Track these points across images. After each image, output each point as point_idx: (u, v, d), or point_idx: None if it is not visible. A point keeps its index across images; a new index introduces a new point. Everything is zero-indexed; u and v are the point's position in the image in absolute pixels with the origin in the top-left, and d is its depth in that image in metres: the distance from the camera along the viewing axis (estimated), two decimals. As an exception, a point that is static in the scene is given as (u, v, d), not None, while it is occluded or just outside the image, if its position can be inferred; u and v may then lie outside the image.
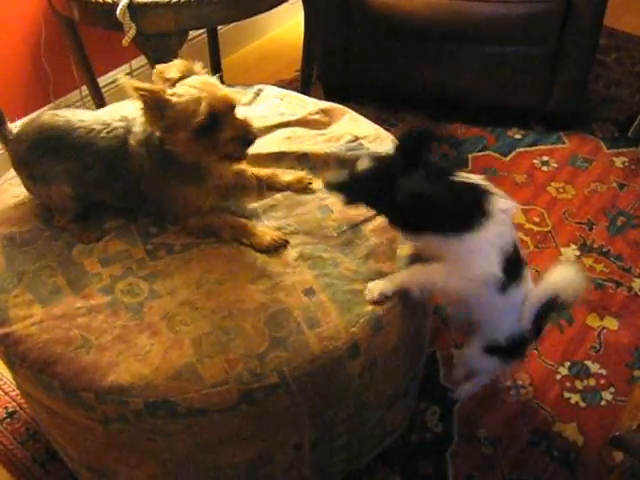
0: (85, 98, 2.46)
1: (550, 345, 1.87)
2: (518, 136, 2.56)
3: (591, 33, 2.36)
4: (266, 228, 1.42)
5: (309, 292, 1.32)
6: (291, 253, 1.38)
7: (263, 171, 1.51)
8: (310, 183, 1.52)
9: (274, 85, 1.85)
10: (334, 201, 1.48)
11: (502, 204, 1.28)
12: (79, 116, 1.41)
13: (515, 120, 2.60)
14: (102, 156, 1.37)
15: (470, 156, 2.47)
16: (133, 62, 2.52)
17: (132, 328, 1.27)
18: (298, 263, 1.37)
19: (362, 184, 1.28)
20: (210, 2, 1.83)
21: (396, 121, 2.62)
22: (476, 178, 1.29)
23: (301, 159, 1.58)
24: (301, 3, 2.30)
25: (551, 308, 1.43)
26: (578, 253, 2.13)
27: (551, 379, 1.79)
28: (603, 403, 1.74)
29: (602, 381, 1.79)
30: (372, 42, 2.50)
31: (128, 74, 2.54)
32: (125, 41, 1.82)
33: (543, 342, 1.87)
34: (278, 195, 1.49)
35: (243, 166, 1.48)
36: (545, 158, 2.47)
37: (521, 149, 2.51)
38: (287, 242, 1.39)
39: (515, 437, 1.66)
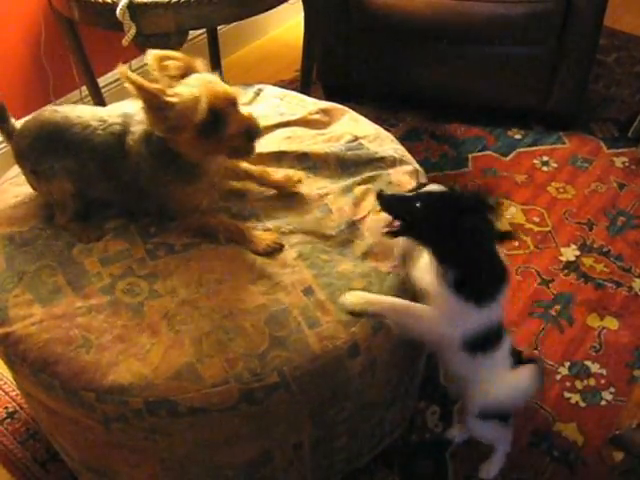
0: (85, 98, 2.46)
1: (550, 345, 1.87)
2: (518, 136, 2.56)
3: (591, 33, 2.36)
4: (262, 231, 1.41)
5: (308, 291, 1.32)
6: (290, 253, 1.38)
7: (254, 168, 1.50)
8: (299, 181, 1.49)
9: (274, 85, 1.85)
10: (333, 201, 1.48)
11: (507, 292, 1.28)
12: (78, 112, 1.41)
13: (515, 120, 2.61)
14: (98, 153, 1.37)
15: (470, 156, 2.47)
16: (133, 62, 2.52)
17: (132, 328, 1.27)
18: (297, 263, 1.37)
19: (436, 205, 1.23)
20: (210, 2, 1.83)
21: (396, 121, 2.62)
22: (504, 256, 1.29)
23: (301, 159, 1.58)
24: (301, 3, 2.30)
25: None
26: (578, 253, 2.13)
27: (551, 379, 1.79)
28: (603, 403, 1.74)
29: (602, 381, 1.79)
30: (372, 42, 2.50)
31: (128, 74, 2.53)
32: (125, 41, 1.82)
33: (543, 342, 1.88)
34: (278, 194, 1.49)
35: (237, 161, 1.47)
36: (545, 158, 2.47)
37: (521, 149, 2.51)
38: (282, 246, 1.39)
39: (515, 437, 1.65)
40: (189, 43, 2.06)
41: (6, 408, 1.77)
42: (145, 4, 1.79)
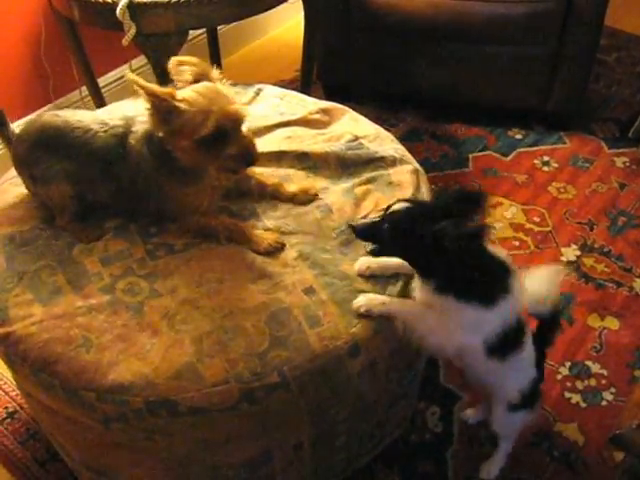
0: (85, 98, 2.46)
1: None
2: (519, 136, 2.56)
3: (592, 33, 2.36)
4: (263, 231, 1.41)
5: (309, 291, 1.32)
6: (290, 253, 1.38)
7: (270, 180, 1.50)
8: (316, 194, 1.49)
9: (274, 85, 1.85)
10: (333, 201, 1.48)
11: (517, 286, 1.26)
12: (78, 116, 1.41)
13: (516, 120, 2.60)
14: (99, 155, 1.37)
15: (470, 156, 2.47)
16: (133, 62, 2.52)
17: (132, 327, 1.26)
18: (298, 262, 1.37)
19: (399, 225, 1.22)
20: (210, 2, 1.83)
21: (396, 121, 2.62)
22: (501, 252, 1.29)
23: (301, 158, 1.58)
24: (301, 3, 2.30)
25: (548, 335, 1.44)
26: (579, 253, 2.12)
27: (552, 379, 1.79)
28: (604, 403, 1.74)
29: (603, 381, 1.79)
30: (372, 42, 2.50)
31: (128, 74, 2.54)
32: (125, 41, 1.82)
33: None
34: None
35: (249, 173, 1.47)
36: (546, 158, 2.47)
37: (522, 149, 2.51)
38: (284, 245, 1.39)
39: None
40: (189, 43, 2.06)
41: (6, 408, 1.77)
42: (145, 4, 1.79)
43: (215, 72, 1.34)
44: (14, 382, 1.72)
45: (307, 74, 2.45)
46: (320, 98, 1.82)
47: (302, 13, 2.34)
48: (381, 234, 1.24)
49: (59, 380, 1.22)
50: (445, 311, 1.23)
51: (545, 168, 2.43)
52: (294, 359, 1.23)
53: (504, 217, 2.24)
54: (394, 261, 1.32)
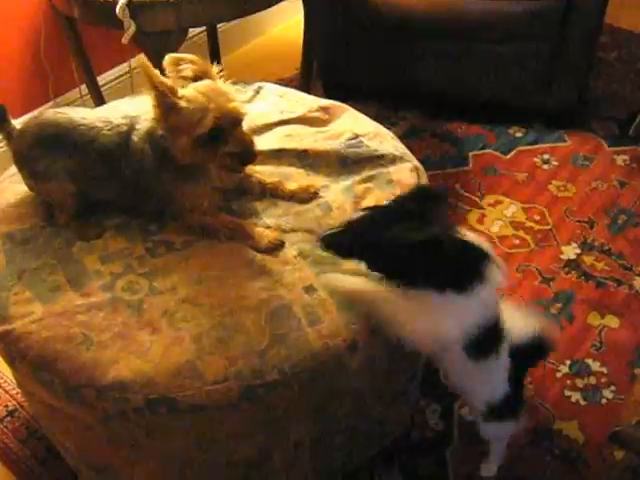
0: (85, 96, 2.46)
1: (551, 343, 1.87)
2: (519, 134, 2.56)
3: (592, 30, 2.36)
4: (263, 228, 1.41)
5: (310, 289, 1.32)
6: (291, 250, 1.38)
7: (269, 179, 1.50)
8: (317, 192, 1.49)
9: (274, 83, 1.84)
10: (333, 199, 1.48)
11: (496, 274, 1.22)
12: (81, 114, 1.41)
13: (515, 118, 2.60)
14: (103, 153, 1.37)
15: (470, 154, 2.47)
16: (133, 60, 2.52)
17: (132, 325, 1.26)
18: (298, 260, 1.37)
19: (358, 231, 1.23)
20: (210, 0, 1.83)
21: (396, 119, 2.61)
22: (481, 240, 1.25)
23: (301, 156, 1.58)
24: (301, 1, 2.30)
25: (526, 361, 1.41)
26: (579, 251, 2.12)
27: (552, 377, 1.79)
28: (604, 401, 1.74)
29: (603, 379, 1.79)
30: (372, 40, 2.50)
31: (127, 72, 2.54)
32: (125, 39, 1.82)
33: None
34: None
35: (249, 171, 1.47)
36: (546, 156, 2.47)
37: (522, 147, 2.50)
38: (283, 243, 1.39)
39: (516, 435, 1.65)
40: (189, 41, 2.06)
41: (6, 406, 1.77)
42: (145, 2, 1.79)
43: (215, 69, 1.34)
44: (14, 380, 1.72)
45: (307, 72, 2.45)
46: (320, 96, 1.82)
47: (302, 11, 2.34)
48: (342, 244, 1.25)
49: (59, 378, 1.22)
50: (421, 307, 1.22)
51: (545, 166, 2.43)
52: (294, 357, 1.23)
53: (504, 215, 2.24)
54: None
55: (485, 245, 1.24)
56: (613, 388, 1.77)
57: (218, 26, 2.73)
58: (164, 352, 1.22)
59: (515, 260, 2.09)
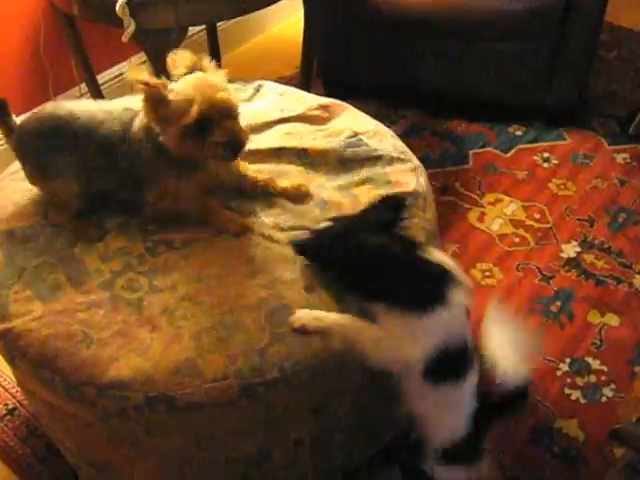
0: (84, 95, 2.45)
1: (550, 341, 1.87)
2: (519, 133, 2.56)
3: (592, 29, 2.35)
4: (233, 213, 1.42)
5: (310, 288, 1.31)
6: (291, 249, 1.38)
7: (261, 176, 1.50)
8: (306, 193, 1.48)
9: (274, 81, 1.84)
10: (332, 198, 1.48)
11: (461, 296, 1.19)
12: (83, 106, 1.41)
13: (516, 117, 2.60)
14: (103, 143, 1.37)
15: (471, 153, 2.47)
16: (132, 59, 2.52)
17: (132, 323, 1.26)
18: (298, 258, 1.36)
19: (323, 241, 1.24)
20: (210, -2, 1.83)
21: (397, 118, 2.61)
22: (447, 260, 1.22)
23: (300, 155, 1.57)
24: (301, -1, 2.30)
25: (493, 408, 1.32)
26: (579, 249, 2.12)
27: (552, 375, 1.79)
28: (604, 399, 1.74)
29: (603, 377, 1.79)
30: (372, 38, 2.50)
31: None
32: (125, 37, 1.82)
33: (544, 338, 1.87)
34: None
35: (243, 168, 1.48)
36: (546, 155, 2.47)
37: (522, 146, 2.50)
38: (249, 230, 1.39)
39: (516, 433, 1.65)
40: (189, 39, 2.06)
41: (6, 405, 1.77)
42: (145, 0, 1.79)
43: (208, 62, 1.34)
44: (14, 379, 1.72)
45: (307, 71, 2.45)
46: (320, 95, 1.82)
47: (302, 10, 2.34)
48: (309, 250, 1.27)
49: (59, 376, 1.22)
50: (381, 320, 1.21)
51: (545, 165, 2.43)
52: (294, 355, 1.23)
53: (504, 214, 2.24)
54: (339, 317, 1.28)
55: (450, 265, 1.21)
56: (613, 386, 1.77)
57: (218, 24, 2.72)
58: (164, 350, 1.22)
59: (515, 258, 2.09)
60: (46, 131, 1.39)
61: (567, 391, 1.76)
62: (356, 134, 1.61)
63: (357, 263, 1.19)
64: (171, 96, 1.27)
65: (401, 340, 1.20)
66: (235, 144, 1.31)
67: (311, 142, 1.60)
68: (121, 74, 2.56)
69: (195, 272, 1.34)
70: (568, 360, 1.83)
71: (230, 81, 1.38)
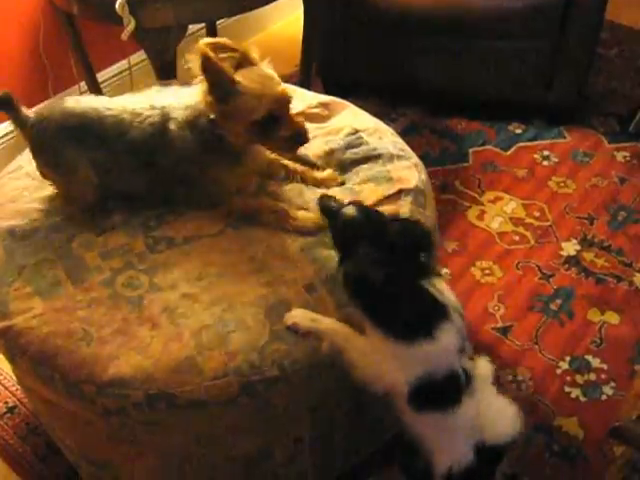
0: (84, 93, 2.45)
1: (551, 340, 1.87)
2: (519, 131, 2.56)
3: (592, 26, 2.35)
4: (304, 212, 1.42)
5: (310, 288, 1.31)
6: (292, 247, 1.38)
7: (298, 167, 1.51)
8: (342, 182, 1.51)
9: (274, 79, 1.84)
10: (334, 194, 1.48)
11: (449, 337, 1.16)
12: (104, 103, 1.40)
13: (516, 114, 2.60)
14: (136, 146, 1.36)
15: (470, 151, 2.47)
16: (132, 57, 2.52)
17: (132, 321, 1.26)
18: (299, 257, 1.36)
19: (346, 227, 1.23)
20: (210, -4, 1.83)
21: (396, 116, 2.61)
22: (448, 295, 1.20)
23: (300, 153, 1.57)
24: (301, -3, 2.29)
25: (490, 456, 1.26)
26: (579, 248, 2.12)
27: (551, 374, 1.79)
28: (604, 398, 1.74)
29: (603, 376, 1.79)
30: (372, 36, 2.49)
31: (127, 69, 2.53)
32: (124, 35, 1.82)
33: (543, 337, 1.87)
34: (277, 188, 1.49)
35: (274, 156, 1.50)
36: (546, 153, 2.46)
37: (522, 144, 2.50)
38: (325, 226, 1.39)
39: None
40: (188, 37, 2.05)
41: (6, 403, 1.77)
42: (145, -2, 1.79)
43: (255, 53, 1.35)
44: (14, 377, 1.72)
45: (307, 69, 2.45)
46: (320, 93, 1.82)
47: (302, 8, 2.33)
48: (334, 219, 1.26)
49: (59, 373, 1.22)
50: (369, 334, 1.20)
51: (545, 163, 2.43)
52: (294, 353, 1.23)
53: (504, 212, 2.24)
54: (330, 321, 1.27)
55: (451, 302, 1.19)
56: (613, 384, 1.77)
57: (217, 22, 2.72)
58: (164, 348, 1.22)
59: (515, 256, 2.09)
60: (70, 128, 1.37)
61: (567, 389, 1.76)
62: (356, 131, 1.61)
63: (359, 272, 1.17)
64: (240, 88, 1.27)
65: (384, 360, 1.19)
66: (300, 137, 1.34)
67: (311, 141, 1.59)
68: (121, 72, 2.56)
69: (195, 270, 1.33)
70: (568, 358, 1.83)
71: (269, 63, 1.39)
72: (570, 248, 2.12)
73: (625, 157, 2.44)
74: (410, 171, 1.54)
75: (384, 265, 1.16)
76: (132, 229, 1.41)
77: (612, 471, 1.57)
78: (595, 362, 1.82)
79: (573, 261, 2.08)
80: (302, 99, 1.73)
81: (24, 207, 1.46)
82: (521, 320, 1.92)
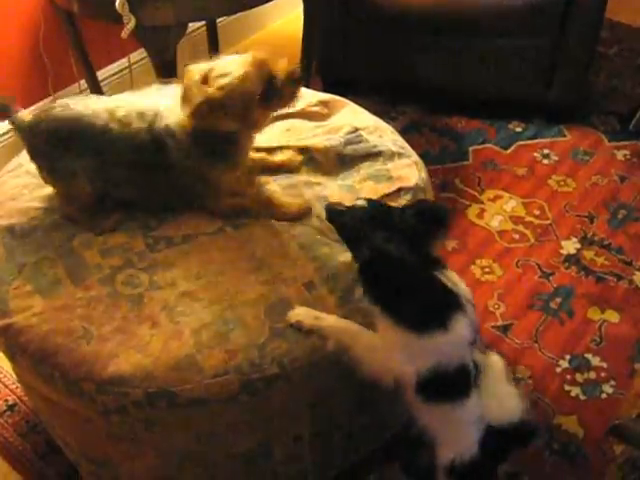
0: (84, 91, 2.45)
1: (550, 338, 1.87)
2: (519, 129, 2.56)
3: (592, 25, 2.35)
4: (290, 197, 1.44)
5: (309, 286, 1.31)
6: (291, 245, 1.38)
7: (256, 155, 1.52)
8: (300, 164, 1.53)
9: (274, 77, 1.84)
10: (333, 194, 1.48)
11: (462, 328, 1.16)
12: (91, 109, 1.37)
13: (516, 113, 2.60)
14: (127, 155, 1.35)
15: (470, 149, 2.47)
16: (132, 55, 2.52)
17: (132, 319, 1.26)
18: (298, 255, 1.36)
19: (354, 222, 1.22)
20: (209, -6, 1.83)
21: (396, 114, 2.61)
22: (461, 285, 1.20)
23: (300, 151, 1.57)
24: (301, -5, 2.29)
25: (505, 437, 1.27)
26: (579, 246, 2.12)
27: (551, 372, 1.79)
28: (604, 396, 1.74)
29: (603, 374, 1.79)
30: (371, 34, 2.49)
31: (127, 68, 2.53)
32: (124, 33, 1.82)
33: (543, 335, 1.87)
34: (276, 186, 1.49)
35: None
36: (546, 151, 2.46)
37: (522, 142, 2.50)
38: (311, 209, 1.42)
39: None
40: (188, 36, 2.05)
41: (6, 401, 1.77)
42: (144, -4, 1.78)
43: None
44: (14, 375, 1.72)
45: (306, 67, 2.44)
46: (319, 91, 1.82)
47: (301, 6, 2.33)
48: (345, 217, 1.24)
49: (59, 371, 1.22)
50: (378, 322, 1.20)
51: (545, 161, 2.43)
52: (294, 351, 1.23)
53: (504, 210, 2.24)
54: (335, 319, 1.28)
55: (463, 293, 1.19)
56: (613, 383, 1.77)
57: (218, 21, 2.72)
58: (164, 346, 1.22)
59: (515, 255, 2.10)
60: (61, 136, 1.35)
61: (567, 387, 1.76)
62: (356, 130, 1.61)
63: (375, 261, 1.16)
64: (222, 92, 1.28)
65: (395, 352, 1.19)
66: (297, 76, 1.37)
67: (311, 139, 1.60)
68: (121, 70, 2.56)
69: (195, 268, 1.33)
70: (568, 357, 1.83)
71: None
72: (570, 246, 2.12)
73: (625, 155, 2.44)
74: (410, 169, 1.54)
75: (401, 254, 1.14)
76: (131, 228, 1.41)
77: (612, 469, 1.57)
78: (595, 360, 1.82)
79: (573, 259, 2.08)
80: (302, 97, 1.72)
81: (24, 205, 1.46)
82: (521, 318, 1.92)
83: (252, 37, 3.05)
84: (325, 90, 1.94)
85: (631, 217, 2.22)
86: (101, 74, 2.47)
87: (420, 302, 1.16)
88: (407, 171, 1.54)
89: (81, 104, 1.39)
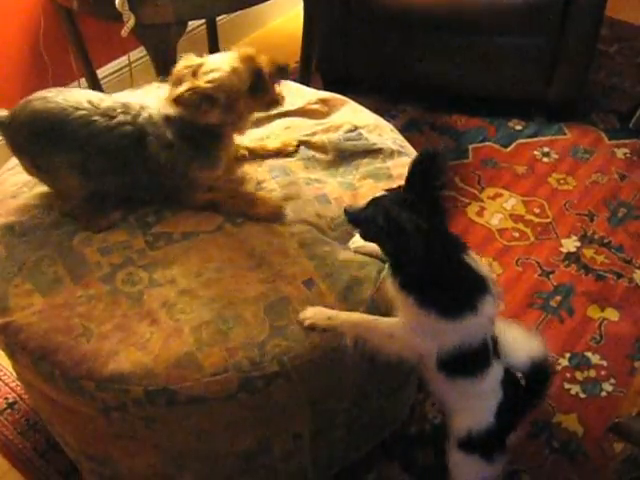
0: (84, 90, 2.45)
1: (550, 336, 1.87)
2: (519, 127, 2.56)
3: (592, 23, 2.35)
4: (265, 194, 1.44)
5: (309, 283, 1.31)
6: (291, 243, 1.38)
7: (252, 144, 1.54)
8: (296, 148, 1.55)
9: (274, 75, 1.84)
10: (332, 192, 1.48)
11: (490, 308, 1.20)
12: (72, 101, 1.35)
13: (516, 111, 2.59)
14: (110, 149, 1.35)
15: (470, 147, 2.46)
16: (132, 53, 2.52)
17: (132, 317, 1.26)
18: (298, 253, 1.36)
19: (375, 216, 1.20)
20: (209, -8, 1.83)
21: (396, 112, 2.61)
22: (483, 267, 1.23)
23: (299, 149, 1.57)
24: (301, -7, 2.29)
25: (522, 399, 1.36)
26: (579, 244, 2.12)
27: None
28: (603, 394, 1.74)
29: (602, 372, 1.79)
30: (371, 32, 2.49)
31: (127, 66, 2.53)
32: (124, 31, 1.82)
33: (543, 333, 1.87)
34: (275, 185, 1.49)
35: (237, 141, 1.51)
36: (546, 149, 2.46)
37: (522, 140, 2.50)
38: (284, 212, 1.42)
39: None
40: (188, 34, 2.05)
41: (6, 399, 1.77)
42: (144, -6, 1.78)
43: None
44: (14, 372, 1.72)
45: (306, 65, 2.45)
46: (319, 89, 1.81)
47: (301, 4, 2.33)
48: (362, 221, 1.25)
49: (59, 369, 1.22)
50: (405, 312, 1.21)
51: (545, 159, 2.43)
52: (294, 349, 1.23)
53: (504, 208, 2.24)
54: (349, 314, 1.28)
55: (485, 273, 1.22)
56: (613, 381, 1.77)
57: (218, 19, 2.72)
58: (163, 344, 1.22)
59: (515, 253, 2.09)
60: (40, 130, 1.34)
61: (567, 386, 1.76)
62: (355, 128, 1.61)
63: (403, 249, 1.16)
64: (211, 85, 1.32)
65: (418, 335, 1.21)
66: (283, 68, 1.41)
67: (310, 137, 1.60)
68: (121, 68, 2.56)
69: (195, 266, 1.34)
70: (568, 355, 1.83)
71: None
72: (570, 245, 2.12)
73: (625, 154, 2.44)
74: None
75: (429, 243, 1.14)
76: (131, 226, 1.41)
77: (612, 467, 1.57)
78: (595, 359, 1.82)
79: (573, 258, 2.08)
80: (301, 95, 1.73)
81: (24, 203, 1.46)
82: (521, 317, 1.92)
83: (252, 35, 3.05)
84: (325, 88, 1.94)
85: (631, 215, 2.22)
86: (101, 72, 2.47)
87: (454, 290, 1.18)
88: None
89: (60, 96, 1.37)
